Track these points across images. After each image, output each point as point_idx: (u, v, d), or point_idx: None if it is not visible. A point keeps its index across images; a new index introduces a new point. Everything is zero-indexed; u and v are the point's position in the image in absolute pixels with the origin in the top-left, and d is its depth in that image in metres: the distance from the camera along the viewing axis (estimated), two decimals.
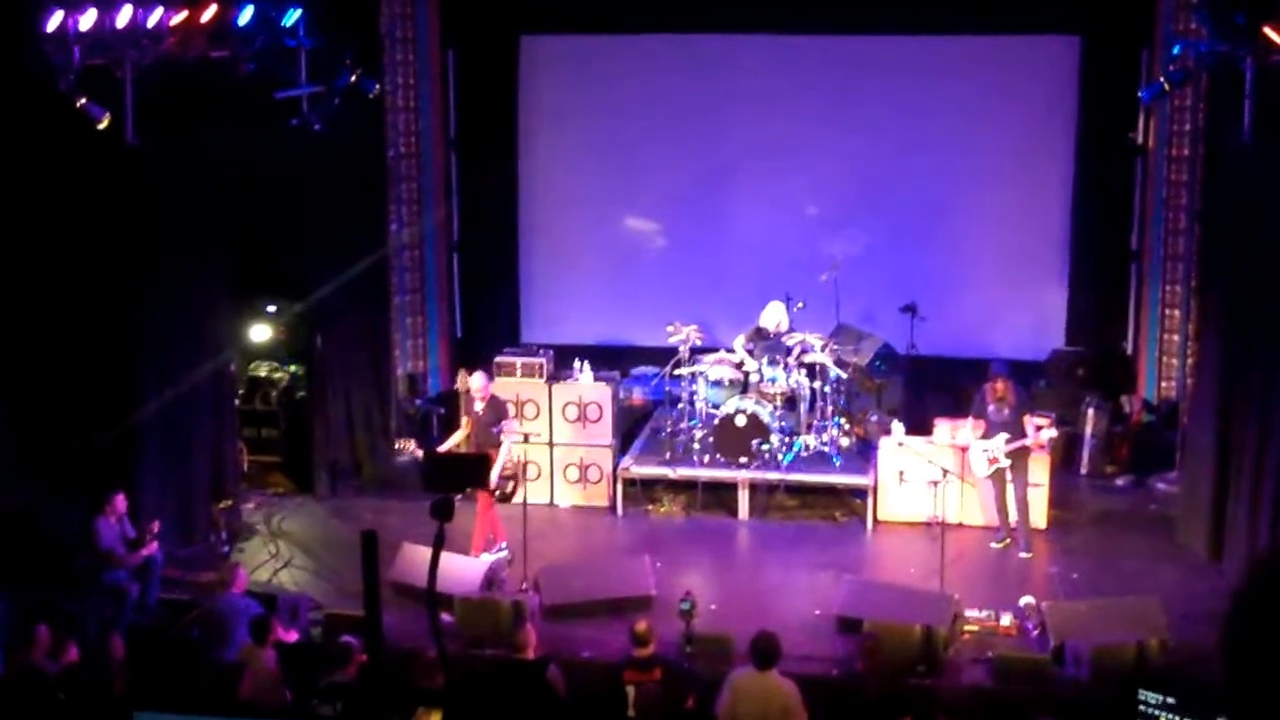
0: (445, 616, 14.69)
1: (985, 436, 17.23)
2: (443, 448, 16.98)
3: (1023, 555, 17.20)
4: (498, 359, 19.42)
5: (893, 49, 21.45)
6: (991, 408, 17.21)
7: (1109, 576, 16.76)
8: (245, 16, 16.04)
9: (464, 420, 17.26)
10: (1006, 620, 15.34)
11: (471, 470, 10.35)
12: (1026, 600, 15.56)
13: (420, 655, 12.06)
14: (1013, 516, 17.39)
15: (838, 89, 21.61)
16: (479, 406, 16.98)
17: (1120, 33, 20.65)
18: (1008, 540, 17.41)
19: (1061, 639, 14.58)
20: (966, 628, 15.24)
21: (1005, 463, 17.11)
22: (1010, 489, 17.33)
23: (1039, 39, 21.32)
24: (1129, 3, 20.26)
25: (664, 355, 20.12)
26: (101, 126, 14.83)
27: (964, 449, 17.54)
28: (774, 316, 19.48)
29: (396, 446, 17.20)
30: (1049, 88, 21.38)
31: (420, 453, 17.00)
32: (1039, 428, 17.27)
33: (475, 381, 17.15)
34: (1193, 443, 18.01)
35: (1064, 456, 19.32)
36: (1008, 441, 17.03)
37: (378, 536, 7.43)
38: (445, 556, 15.33)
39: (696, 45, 21.85)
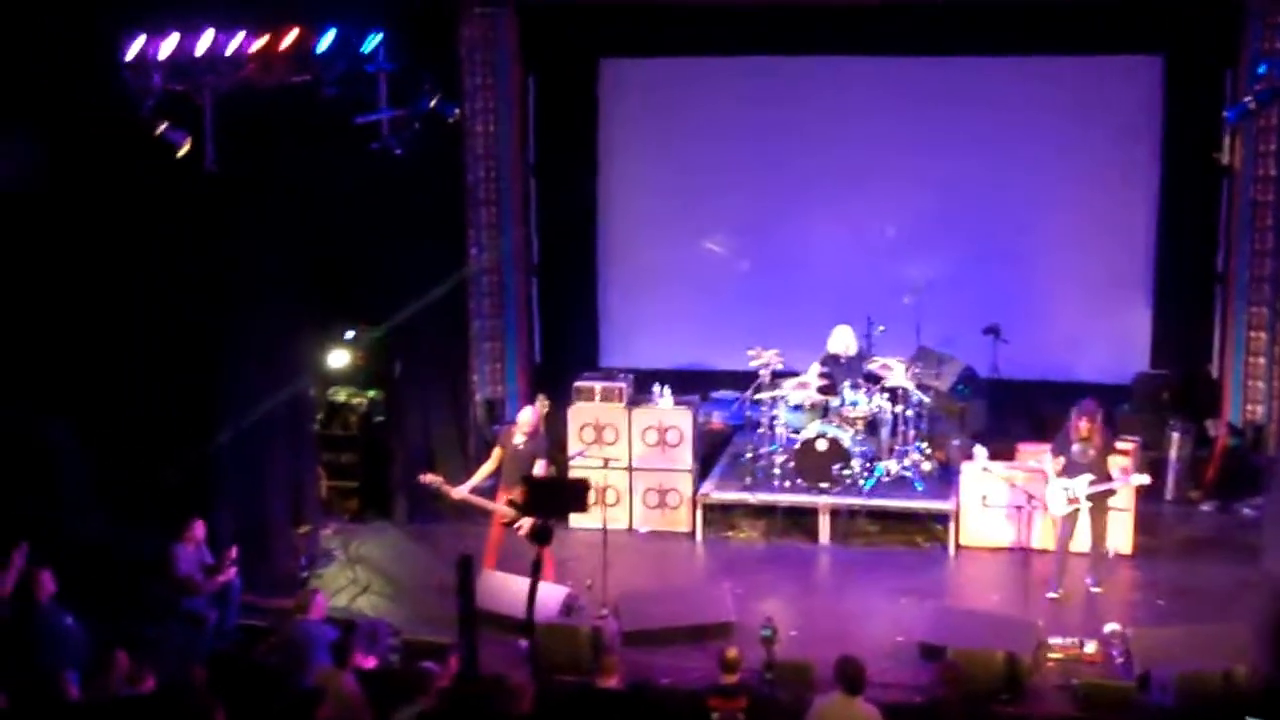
0: (522, 642, 14.64)
1: (1064, 474, 16.74)
2: (469, 484, 16.82)
3: (1094, 590, 16.79)
4: (577, 383, 19.39)
5: (974, 70, 21.33)
6: (1076, 447, 16.66)
7: (1194, 603, 16.58)
8: (325, 42, 16.09)
9: (495, 452, 17.07)
10: (1091, 647, 15.20)
11: (572, 496, 10.29)
12: (1111, 627, 15.45)
13: (502, 681, 12.03)
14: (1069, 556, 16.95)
15: (919, 110, 21.46)
16: (518, 439, 16.69)
17: (1204, 52, 20.41)
18: (1061, 594, 16.82)
19: (1147, 666, 14.38)
20: (1051, 655, 15.09)
21: (1085, 505, 16.65)
22: (1079, 524, 16.84)
23: (1121, 59, 21.11)
24: (1212, 22, 20.01)
25: (744, 379, 20.04)
26: (181, 153, 14.88)
27: (1043, 475, 17.22)
28: (842, 340, 19.41)
29: (423, 480, 17.05)
30: (1132, 108, 21.20)
31: (446, 487, 16.81)
32: (1125, 470, 16.96)
33: (525, 416, 16.89)
34: (1278, 467, 17.78)
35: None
36: (1091, 484, 16.54)
37: (473, 561, 7.39)
38: (522, 583, 15.35)
39: (776, 68, 21.76)
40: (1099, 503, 16.69)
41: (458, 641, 13.27)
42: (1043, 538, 17.44)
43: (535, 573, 8.09)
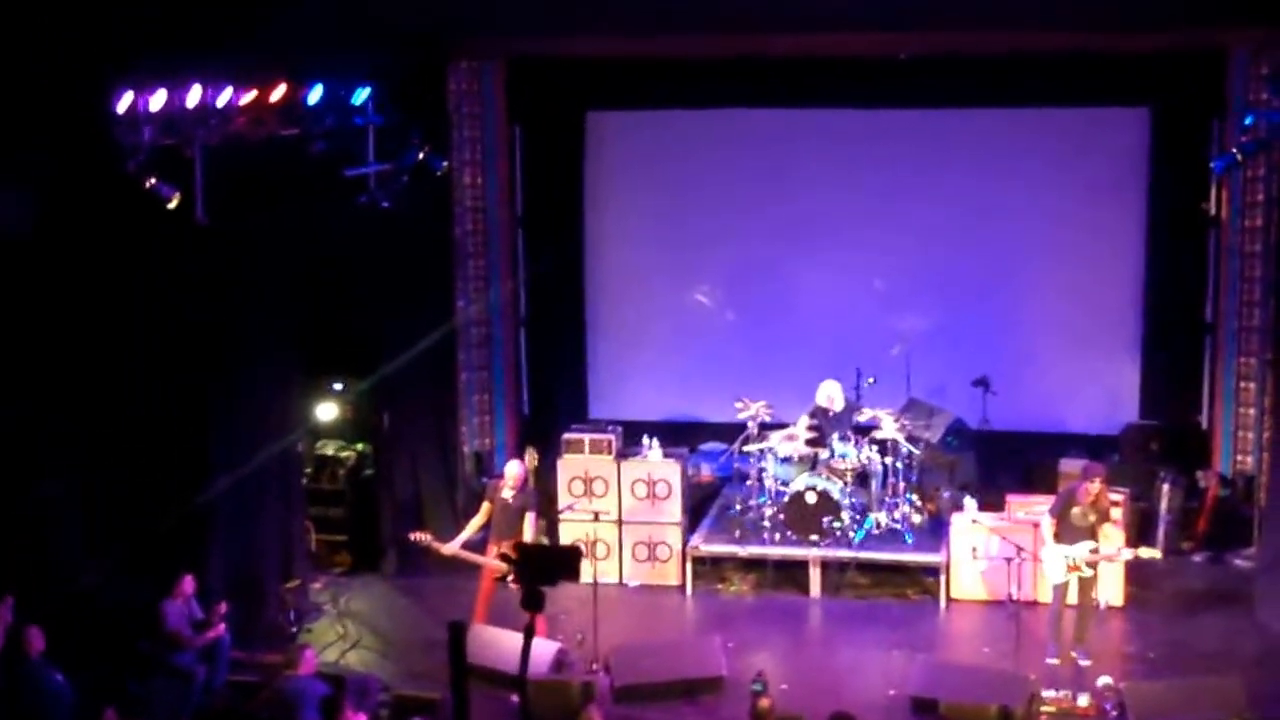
0: (514, 698, 14.58)
1: (1061, 539, 16.28)
2: (459, 539, 16.81)
3: (1084, 663, 16.33)
4: (566, 436, 19.36)
5: (962, 122, 21.35)
6: (1076, 510, 16.19)
7: (1187, 655, 16.54)
8: (314, 96, 16.07)
9: (484, 505, 17.02)
10: (1084, 701, 15.14)
11: (563, 563, 10.25)
12: (1104, 680, 15.37)
13: None
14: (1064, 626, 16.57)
15: (906, 162, 21.50)
16: (507, 493, 16.68)
17: (1190, 104, 20.47)
18: (1060, 659, 16.43)
19: None
20: (1044, 708, 15.04)
21: (1087, 573, 16.28)
22: (1069, 594, 16.54)
23: (1108, 111, 21.14)
24: (1199, 74, 20.09)
25: (733, 431, 20.02)
26: (171, 206, 14.84)
27: (1036, 550, 16.74)
28: (828, 394, 19.41)
29: (412, 538, 17.01)
30: (1119, 159, 21.23)
31: (436, 544, 16.76)
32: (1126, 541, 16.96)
33: (512, 469, 16.90)
34: (1271, 518, 17.78)
35: (1139, 533, 18.98)
36: (1093, 551, 16.19)
37: (464, 628, 7.35)
38: (512, 637, 15.28)
39: (762, 119, 21.81)
40: (1095, 572, 16.45)
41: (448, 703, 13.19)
42: (1033, 590, 17.35)
43: (528, 638, 7.98)
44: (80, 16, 14.64)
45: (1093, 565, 16.28)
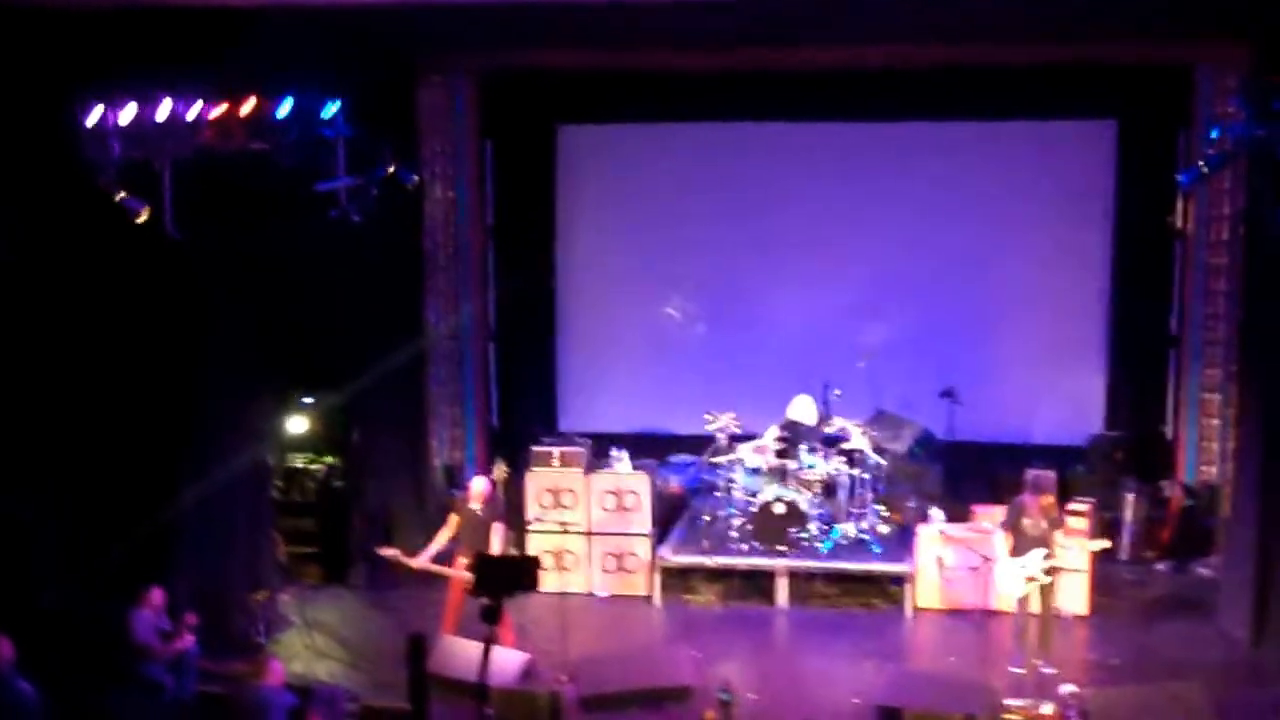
0: (489, 710, 14.60)
1: (1016, 552, 16.33)
2: (427, 553, 16.79)
3: (1047, 671, 16.20)
4: (535, 448, 19.42)
5: (929, 134, 21.42)
6: (1027, 521, 16.26)
7: (1150, 663, 16.62)
8: (284, 109, 16.11)
9: (450, 519, 17.06)
10: (1048, 709, 15.16)
11: (522, 574, 10.29)
12: (1069, 688, 15.40)
13: None
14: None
15: (873, 174, 21.61)
16: (474, 505, 16.73)
17: (1156, 117, 20.61)
18: (1025, 667, 16.32)
19: None
20: (1008, 716, 15.04)
21: (1046, 580, 16.29)
22: (1032, 602, 16.43)
23: (1074, 124, 21.26)
24: (1165, 87, 20.23)
25: (701, 443, 20.09)
26: (141, 220, 14.87)
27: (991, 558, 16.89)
28: (801, 409, 19.50)
29: (381, 553, 17.03)
30: (1086, 171, 21.33)
31: (405, 559, 16.79)
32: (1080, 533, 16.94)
33: (477, 485, 16.93)
34: (1234, 527, 17.89)
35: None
36: (1046, 558, 16.23)
37: (425, 640, 7.41)
38: (480, 648, 15.33)
39: (732, 133, 21.90)
40: (1055, 580, 16.47)
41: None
42: (998, 599, 17.43)
43: (487, 651, 8.05)
44: (49, 31, 14.69)
45: (1050, 573, 16.32)
